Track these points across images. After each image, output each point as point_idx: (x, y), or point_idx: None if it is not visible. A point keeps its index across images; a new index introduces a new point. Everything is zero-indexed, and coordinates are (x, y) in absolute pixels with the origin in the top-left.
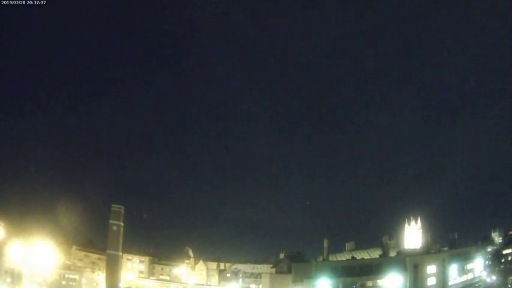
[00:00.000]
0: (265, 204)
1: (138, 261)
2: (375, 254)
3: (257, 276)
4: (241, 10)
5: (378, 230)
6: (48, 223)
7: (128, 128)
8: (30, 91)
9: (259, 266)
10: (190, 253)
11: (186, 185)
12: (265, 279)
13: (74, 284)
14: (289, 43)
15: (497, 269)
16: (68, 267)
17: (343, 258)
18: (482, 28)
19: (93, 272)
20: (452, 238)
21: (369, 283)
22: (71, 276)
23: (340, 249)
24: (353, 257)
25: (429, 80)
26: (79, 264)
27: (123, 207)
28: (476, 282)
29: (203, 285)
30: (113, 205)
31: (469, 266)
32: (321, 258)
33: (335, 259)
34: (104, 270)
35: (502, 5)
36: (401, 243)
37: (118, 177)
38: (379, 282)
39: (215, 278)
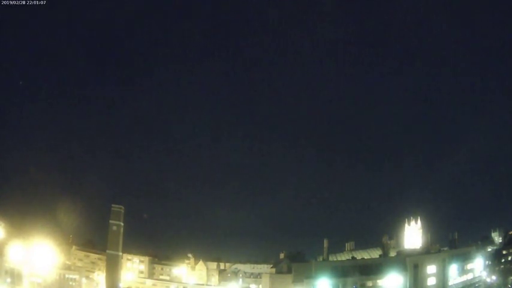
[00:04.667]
0: (265, 204)
1: (138, 261)
2: (375, 254)
3: (257, 276)
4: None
5: (378, 230)
6: (48, 223)
7: (128, 128)
8: (30, 91)
9: (259, 266)
10: (190, 254)
11: (186, 185)
12: (265, 279)
13: (74, 284)
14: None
15: (497, 269)
16: (68, 267)
17: (343, 258)
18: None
19: (93, 272)
20: (452, 238)
21: (369, 283)
22: (71, 276)
23: (340, 249)
24: (353, 257)
25: (429, 78)
26: (79, 264)
27: (123, 207)
28: (476, 282)
29: (203, 285)
30: (113, 205)
31: (469, 266)
32: (321, 258)
33: (335, 259)
34: (104, 270)
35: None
36: (401, 243)
37: (118, 178)
38: (379, 282)
39: (215, 278)
